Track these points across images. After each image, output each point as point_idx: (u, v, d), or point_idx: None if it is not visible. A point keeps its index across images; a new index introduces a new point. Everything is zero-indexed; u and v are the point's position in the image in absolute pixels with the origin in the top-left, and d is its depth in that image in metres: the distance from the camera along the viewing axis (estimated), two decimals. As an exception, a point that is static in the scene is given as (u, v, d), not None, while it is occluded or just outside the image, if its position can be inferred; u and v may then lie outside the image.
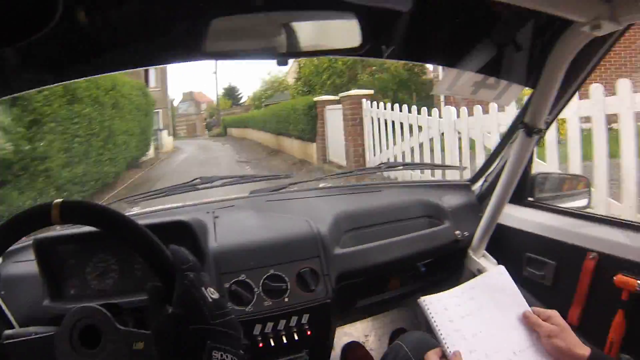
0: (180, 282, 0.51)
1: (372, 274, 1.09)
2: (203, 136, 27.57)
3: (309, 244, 0.96)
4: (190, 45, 0.65)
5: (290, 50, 0.65)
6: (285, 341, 0.91)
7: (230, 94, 28.01)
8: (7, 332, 0.63)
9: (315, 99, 7.95)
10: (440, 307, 0.74)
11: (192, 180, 1.23)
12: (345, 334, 1.49)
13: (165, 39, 0.67)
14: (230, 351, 0.49)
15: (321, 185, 1.42)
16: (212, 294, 0.52)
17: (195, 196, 1.24)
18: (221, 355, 0.48)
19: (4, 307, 0.80)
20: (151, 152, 12.01)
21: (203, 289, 0.52)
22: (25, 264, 0.95)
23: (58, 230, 0.98)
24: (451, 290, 0.78)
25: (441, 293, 0.77)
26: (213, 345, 0.48)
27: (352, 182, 1.56)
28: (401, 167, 1.50)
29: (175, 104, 25.44)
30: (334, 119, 7.07)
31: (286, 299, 0.90)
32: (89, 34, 0.64)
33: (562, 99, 0.97)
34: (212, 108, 26.09)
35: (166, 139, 15.99)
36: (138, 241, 0.55)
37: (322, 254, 0.96)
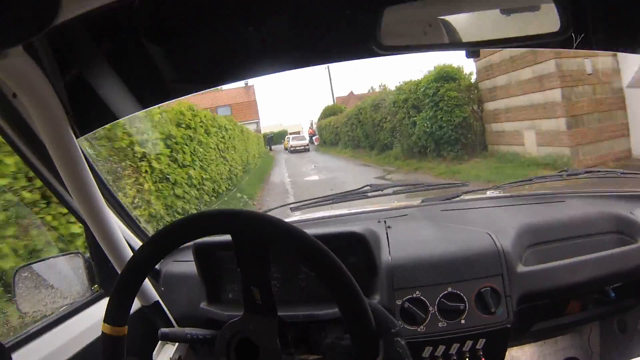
0: (391, 348, 0.50)
1: (557, 296, 0.98)
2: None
3: (491, 260, 0.86)
4: (360, 40, 0.58)
5: (482, 40, 0.54)
6: None
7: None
8: (164, 330, 0.67)
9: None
10: None
11: (362, 188, 1.21)
12: (513, 357, 1.33)
13: (332, 34, 0.61)
14: None
15: (498, 193, 1.30)
16: None
17: (363, 203, 1.22)
18: None
19: (162, 304, 0.85)
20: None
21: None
22: (185, 264, 0.98)
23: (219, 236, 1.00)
24: None
25: None
26: None
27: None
28: (584, 175, 1.25)
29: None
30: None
31: (463, 321, 0.83)
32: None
33: None
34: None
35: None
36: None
37: (505, 272, 0.86)
